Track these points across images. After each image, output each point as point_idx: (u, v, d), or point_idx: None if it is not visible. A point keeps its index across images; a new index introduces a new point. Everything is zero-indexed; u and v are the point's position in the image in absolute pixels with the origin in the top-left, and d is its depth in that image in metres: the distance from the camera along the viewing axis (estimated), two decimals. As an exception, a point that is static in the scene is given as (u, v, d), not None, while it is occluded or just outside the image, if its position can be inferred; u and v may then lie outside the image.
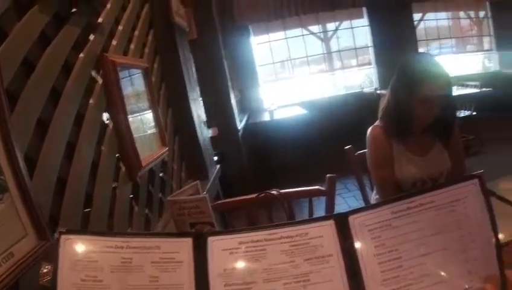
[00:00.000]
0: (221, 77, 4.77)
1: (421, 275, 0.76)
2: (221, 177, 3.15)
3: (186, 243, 0.83)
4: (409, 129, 1.91)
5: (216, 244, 0.83)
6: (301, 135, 6.02)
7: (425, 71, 1.81)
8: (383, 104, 2.05)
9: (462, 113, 5.79)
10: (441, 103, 1.81)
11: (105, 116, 1.65)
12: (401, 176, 1.95)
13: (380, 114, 2.05)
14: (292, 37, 7.88)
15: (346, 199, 4.56)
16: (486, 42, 8.69)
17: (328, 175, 1.88)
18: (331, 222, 0.83)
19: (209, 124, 3.20)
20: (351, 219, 0.83)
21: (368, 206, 0.85)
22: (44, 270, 1.06)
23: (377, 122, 2.04)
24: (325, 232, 0.83)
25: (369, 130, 2.03)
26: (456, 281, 0.75)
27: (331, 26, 8.03)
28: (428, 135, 1.98)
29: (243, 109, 6.95)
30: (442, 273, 0.76)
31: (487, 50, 8.69)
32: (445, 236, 0.78)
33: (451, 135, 1.98)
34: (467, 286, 0.74)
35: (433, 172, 1.96)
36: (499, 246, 0.75)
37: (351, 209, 0.86)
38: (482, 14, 8.55)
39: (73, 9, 1.45)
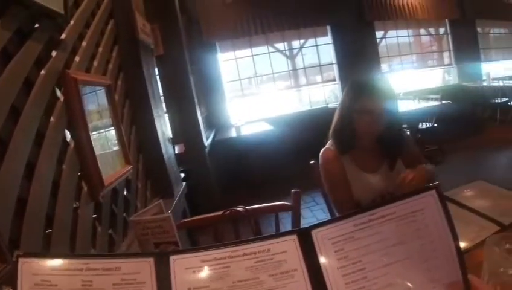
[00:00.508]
0: (187, 93, 4.74)
1: (385, 285, 0.77)
2: (188, 194, 3.12)
3: (148, 263, 0.82)
4: (353, 144, 1.95)
5: (179, 263, 0.82)
6: (268, 151, 6.07)
7: (368, 84, 1.86)
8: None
9: (424, 125, 5.99)
10: (382, 117, 1.82)
11: (66, 134, 1.61)
12: (358, 194, 1.95)
13: (330, 132, 2.05)
14: (258, 54, 7.98)
15: (314, 212, 4.59)
16: (446, 57, 9.11)
17: (293, 190, 1.90)
18: (294, 237, 0.84)
19: (175, 140, 3.18)
20: (313, 233, 0.83)
21: (331, 220, 0.86)
22: (5, 294, 1.02)
23: (328, 144, 2.05)
24: (289, 247, 0.83)
25: (320, 154, 2.04)
26: (420, 289, 0.77)
27: (296, 43, 8.20)
28: (377, 153, 1.99)
29: (209, 125, 6.92)
30: (406, 283, 0.77)
31: (447, 64, 9.12)
32: (406, 246, 0.80)
33: (395, 160, 1.99)
34: None
35: (388, 187, 1.96)
36: (460, 252, 0.77)
37: (313, 223, 0.87)
38: (442, 30, 9.00)
39: (36, 25, 1.43)
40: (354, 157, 1.99)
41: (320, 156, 2.03)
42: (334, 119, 2.02)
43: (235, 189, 5.62)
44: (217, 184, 5.42)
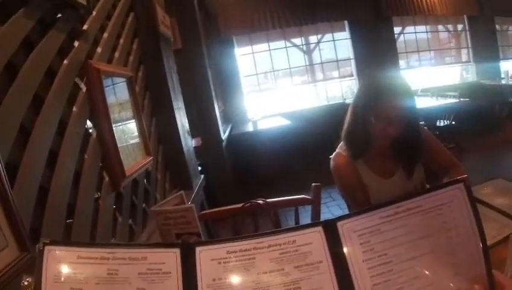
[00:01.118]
0: (205, 87, 4.75)
1: (410, 279, 0.77)
2: (205, 188, 3.13)
3: (174, 254, 0.81)
4: (366, 148, 1.81)
5: (204, 254, 0.82)
6: (284, 145, 6.05)
7: (386, 87, 1.69)
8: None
9: (442, 123, 5.90)
10: (399, 122, 1.68)
11: (88, 124, 1.62)
12: (373, 200, 1.84)
13: (342, 134, 1.92)
14: (275, 49, 7.95)
15: (331, 208, 4.56)
16: (464, 54, 8.93)
17: (313, 184, 1.88)
18: (319, 229, 0.83)
19: (192, 134, 3.18)
20: (339, 225, 0.83)
21: (356, 212, 0.85)
22: (25, 283, 1.02)
23: (339, 147, 1.93)
24: (314, 239, 0.82)
25: (332, 159, 1.93)
26: (445, 283, 0.76)
27: (313, 38, 8.15)
28: (392, 157, 1.87)
29: (226, 120, 6.94)
30: (431, 276, 0.76)
31: (465, 62, 8.95)
32: (433, 239, 0.79)
33: (413, 166, 1.86)
34: (455, 288, 0.75)
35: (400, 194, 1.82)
36: (486, 246, 0.76)
37: (339, 215, 0.86)
38: (460, 27, 8.82)
39: (59, 15, 1.43)
40: (368, 161, 1.87)
41: (331, 161, 1.92)
42: (347, 120, 1.88)
43: (251, 183, 5.62)
44: (233, 178, 5.42)
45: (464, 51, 8.90)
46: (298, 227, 0.86)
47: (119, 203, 1.76)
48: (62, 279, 0.77)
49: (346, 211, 2.33)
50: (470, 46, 8.73)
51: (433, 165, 1.93)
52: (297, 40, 8.07)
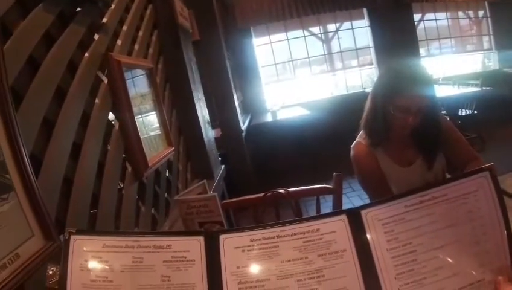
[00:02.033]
0: (224, 78, 4.75)
1: (435, 268, 0.76)
2: (225, 178, 3.15)
3: (198, 242, 0.82)
4: (386, 136, 1.80)
5: (228, 242, 0.82)
6: (304, 135, 6.03)
7: (406, 78, 1.66)
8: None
9: (464, 112, 5.78)
10: (419, 113, 1.66)
11: (111, 116, 1.64)
12: (393, 189, 1.81)
13: (362, 122, 1.90)
14: (293, 38, 7.88)
15: (351, 199, 4.52)
16: (486, 41, 8.66)
17: (335, 173, 1.86)
18: (343, 217, 0.84)
19: (212, 125, 3.19)
20: (363, 213, 0.83)
21: (381, 201, 0.84)
22: (50, 272, 1.04)
23: (358, 136, 1.91)
24: (338, 228, 0.82)
25: (351, 148, 1.91)
26: (469, 273, 0.75)
27: (331, 27, 8.03)
28: (412, 145, 1.84)
29: (245, 110, 6.94)
30: (455, 266, 0.76)
31: (487, 49, 8.67)
32: (457, 229, 0.78)
33: (433, 156, 1.83)
34: (479, 278, 0.74)
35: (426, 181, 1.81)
36: (511, 237, 0.75)
37: (364, 204, 0.85)
38: (481, 13, 8.54)
39: (78, 9, 1.44)
40: (387, 150, 1.85)
41: (351, 150, 1.91)
42: (366, 108, 1.86)
43: (271, 173, 5.62)
44: (253, 168, 5.43)
45: (486, 38, 8.63)
46: (322, 215, 0.86)
47: (142, 193, 1.79)
48: (87, 267, 0.78)
49: (367, 201, 2.31)
50: (491, 33, 8.44)
51: (452, 158, 1.87)
52: (316, 29, 7.97)
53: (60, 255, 0.80)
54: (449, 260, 0.76)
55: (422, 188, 0.82)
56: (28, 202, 0.90)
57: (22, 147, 0.90)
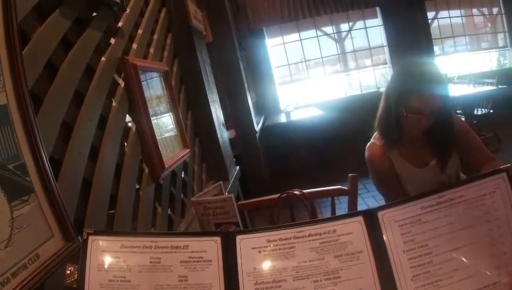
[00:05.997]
0: (237, 79, 4.76)
1: (451, 270, 0.76)
2: (240, 179, 3.16)
3: (215, 242, 0.83)
4: (399, 137, 1.78)
5: (245, 243, 0.83)
6: (318, 136, 5.99)
7: (419, 78, 1.63)
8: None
9: (480, 111, 5.69)
10: (433, 115, 1.63)
11: (128, 118, 1.66)
12: (407, 190, 1.82)
13: (376, 122, 1.88)
14: (306, 38, 7.88)
15: (366, 200, 4.49)
16: (501, 39, 8.51)
17: (350, 174, 1.86)
18: (359, 219, 0.84)
19: (226, 126, 3.20)
20: (380, 214, 0.83)
21: (397, 202, 0.84)
22: (68, 272, 1.06)
23: (373, 137, 1.90)
24: (354, 229, 0.83)
25: (366, 149, 1.90)
26: (486, 275, 0.75)
27: (344, 26, 8.01)
28: (426, 146, 1.82)
29: (259, 111, 6.94)
30: (471, 268, 0.76)
31: (502, 47, 8.52)
32: (474, 230, 0.78)
33: (446, 159, 1.79)
34: (495, 281, 0.74)
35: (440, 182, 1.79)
36: None
37: (380, 205, 0.85)
38: (495, 10, 8.39)
39: (94, 14, 1.47)
40: (402, 151, 1.84)
41: (366, 151, 1.89)
42: (380, 108, 1.84)
43: (285, 174, 5.61)
44: (267, 169, 5.43)
45: (501, 36, 8.48)
46: (338, 217, 0.86)
47: (158, 194, 1.80)
48: (105, 267, 0.80)
49: (382, 203, 2.29)
50: (506, 30, 8.28)
51: (467, 159, 1.84)
52: (329, 29, 7.95)
53: (78, 254, 0.82)
54: (465, 261, 0.76)
55: (439, 190, 0.82)
56: (48, 204, 0.92)
57: (42, 150, 0.92)
